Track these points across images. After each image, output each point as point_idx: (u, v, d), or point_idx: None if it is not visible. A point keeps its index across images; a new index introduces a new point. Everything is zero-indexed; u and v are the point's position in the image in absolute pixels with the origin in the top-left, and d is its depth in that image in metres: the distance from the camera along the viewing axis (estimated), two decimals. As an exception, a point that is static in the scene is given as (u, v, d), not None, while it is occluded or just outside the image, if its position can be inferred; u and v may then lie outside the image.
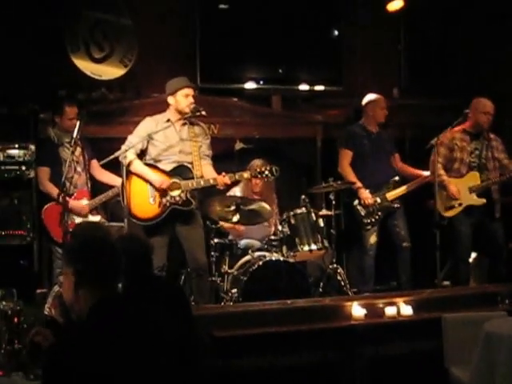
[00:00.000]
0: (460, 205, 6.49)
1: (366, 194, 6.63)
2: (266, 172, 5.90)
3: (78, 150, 6.07)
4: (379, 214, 6.66)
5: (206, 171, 5.90)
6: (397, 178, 6.81)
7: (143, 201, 5.80)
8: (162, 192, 5.75)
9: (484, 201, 6.48)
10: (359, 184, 6.66)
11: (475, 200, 6.49)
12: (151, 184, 5.80)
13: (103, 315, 2.61)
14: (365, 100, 6.97)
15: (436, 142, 6.31)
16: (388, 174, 6.82)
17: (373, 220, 6.66)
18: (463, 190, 6.48)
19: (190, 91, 5.91)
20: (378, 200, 6.66)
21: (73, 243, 2.85)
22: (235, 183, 6.67)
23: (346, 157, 6.80)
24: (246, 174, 5.92)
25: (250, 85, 7.69)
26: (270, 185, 6.89)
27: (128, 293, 3.53)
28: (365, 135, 6.85)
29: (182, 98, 5.87)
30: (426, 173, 6.74)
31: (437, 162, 6.40)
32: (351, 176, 6.70)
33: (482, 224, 6.55)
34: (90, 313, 2.61)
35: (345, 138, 6.90)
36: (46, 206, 6.04)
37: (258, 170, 5.93)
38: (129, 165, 5.73)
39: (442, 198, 6.50)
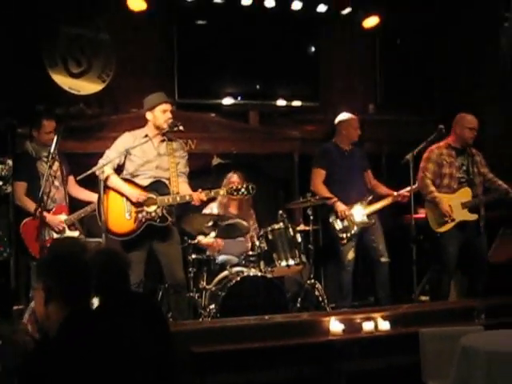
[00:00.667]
0: (453, 220, 6.52)
1: (342, 207, 6.62)
2: (243, 190, 5.88)
3: (56, 164, 6.05)
4: (355, 229, 6.67)
5: (182, 188, 5.89)
6: (370, 196, 6.81)
7: (119, 216, 5.77)
8: (139, 206, 5.74)
9: (476, 216, 6.51)
10: (335, 198, 6.66)
11: (468, 215, 6.51)
12: (128, 199, 5.78)
13: (72, 330, 2.62)
14: (338, 119, 6.99)
15: (411, 157, 6.37)
16: (361, 192, 6.82)
17: (349, 235, 6.65)
18: (456, 206, 6.50)
19: (167, 107, 5.92)
20: (354, 214, 6.66)
21: (44, 258, 2.86)
22: (212, 199, 6.69)
23: (319, 175, 6.81)
24: (221, 191, 5.91)
25: (227, 100, 7.72)
26: (248, 200, 6.91)
27: (102, 308, 3.53)
28: (338, 153, 6.86)
29: (160, 114, 5.88)
30: (401, 191, 6.72)
31: (424, 179, 6.49)
32: (326, 193, 6.70)
33: (468, 242, 6.58)
34: (59, 328, 2.62)
35: (318, 156, 6.90)
36: (24, 221, 5.98)
37: (234, 187, 5.92)
38: (106, 179, 5.71)
39: (435, 213, 6.53)
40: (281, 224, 6.40)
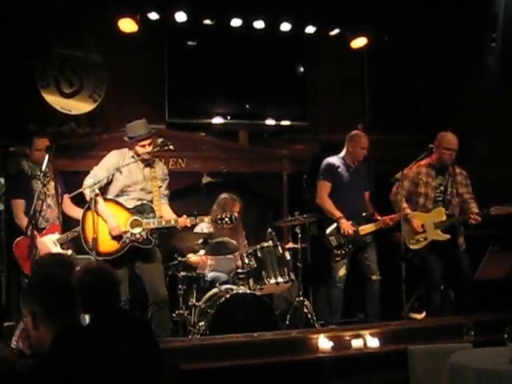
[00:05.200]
0: (425, 239, 6.61)
1: (347, 225, 6.63)
2: (226, 219, 6.01)
3: (52, 183, 6.10)
4: (350, 246, 6.68)
5: (165, 211, 6.00)
6: (369, 212, 6.83)
7: (103, 236, 5.82)
8: (115, 236, 5.81)
9: (448, 236, 6.59)
10: (340, 214, 6.67)
11: (440, 235, 6.60)
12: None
13: (63, 345, 2.66)
14: (348, 135, 6.96)
15: (401, 175, 6.42)
16: (362, 208, 6.86)
17: (343, 252, 6.67)
18: (429, 225, 6.61)
19: (145, 142, 5.98)
20: (355, 233, 6.67)
21: (27, 284, 2.90)
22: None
23: (325, 188, 6.80)
24: (206, 219, 6.02)
25: (217, 120, 7.79)
26: (238, 222, 6.97)
27: (93, 325, 3.55)
28: (344, 168, 6.86)
29: (138, 148, 5.98)
30: (386, 217, 6.73)
31: (401, 196, 6.50)
32: (332, 207, 6.72)
33: (448, 256, 6.66)
34: (51, 345, 2.69)
35: (323, 169, 6.88)
36: (17, 239, 6.02)
37: (219, 216, 6.03)
38: (93, 201, 5.73)
39: (408, 231, 6.61)
40: (270, 242, 6.45)
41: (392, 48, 8.38)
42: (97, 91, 7.10)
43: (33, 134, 6.22)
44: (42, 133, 6.25)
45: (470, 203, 6.69)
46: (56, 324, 2.73)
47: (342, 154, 6.94)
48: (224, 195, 6.86)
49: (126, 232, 5.82)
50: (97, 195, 5.74)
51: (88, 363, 2.65)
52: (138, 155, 5.97)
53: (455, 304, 6.86)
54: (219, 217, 6.02)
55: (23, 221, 6.00)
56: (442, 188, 6.69)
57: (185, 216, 5.87)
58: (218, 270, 6.74)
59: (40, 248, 5.95)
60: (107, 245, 5.82)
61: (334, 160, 6.90)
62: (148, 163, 6.04)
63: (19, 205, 6.09)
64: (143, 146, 5.96)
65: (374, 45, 8.04)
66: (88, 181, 5.84)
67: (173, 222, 5.86)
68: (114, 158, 6.00)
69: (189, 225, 5.91)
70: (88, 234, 5.75)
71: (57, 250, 6.08)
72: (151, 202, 5.95)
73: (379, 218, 6.79)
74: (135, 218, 5.85)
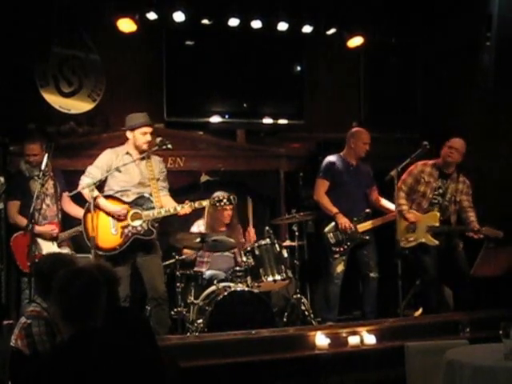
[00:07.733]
0: (415, 240, 6.66)
1: (344, 219, 6.66)
2: (225, 200, 6.05)
3: (50, 182, 6.14)
4: (348, 244, 6.71)
5: (166, 201, 6.02)
6: (368, 210, 6.84)
7: (105, 231, 5.86)
8: (123, 220, 5.83)
9: (437, 243, 6.62)
10: (336, 210, 6.70)
11: (429, 240, 6.64)
12: (113, 216, 5.88)
13: (68, 355, 2.71)
14: (349, 133, 6.99)
15: (395, 173, 6.46)
16: (361, 206, 6.86)
17: (341, 249, 6.69)
18: (421, 227, 6.65)
19: (147, 129, 6.02)
20: (352, 228, 6.71)
21: (56, 285, 2.89)
22: (198, 216, 6.78)
23: (323, 186, 6.83)
24: (205, 202, 6.03)
25: (215, 119, 7.82)
26: (234, 217, 7.00)
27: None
28: (343, 167, 6.89)
29: (140, 136, 5.99)
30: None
31: (399, 191, 6.57)
32: (328, 204, 6.75)
33: (445, 254, 6.71)
34: (57, 349, 2.71)
35: (323, 168, 6.91)
36: (14, 235, 6.09)
37: (217, 198, 6.07)
38: (93, 199, 5.77)
39: (402, 228, 6.64)
40: (267, 240, 6.49)
41: (388, 47, 8.43)
42: (96, 90, 7.15)
43: (23, 140, 6.26)
44: (32, 139, 6.27)
45: (469, 212, 6.73)
46: (69, 327, 2.78)
47: (343, 152, 6.98)
48: (219, 193, 6.90)
49: (127, 225, 5.85)
50: (96, 197, 5.78)
51: (92, 366, 2.68)
52: (137, 147, 6.00)
53: (454, 302, 6.91)
54: (217, 199, 6.06)
55: (18, 220, 6.09)
56: (440, 191, 6.72)
57: (187, 201, 5.89)
58: (215, 267, 6.78)
59: (45, 233, 6.06)
60: (109, 240, 5.86)
61: (335, 158, 6.93)
62: (143, 157, 6.04)
63: (14, 206, 6.18)
64: (144, 134, 5.98)
65: (370, 44, 8.07)
66: (84, 180, 5.88)
67: (172, 210, 5.87)
68: (107, 157, 6.03)
69: (188, 211, 5.91)
70: (90, 233, 5.77)
71: (54, 248, 6.14)
72: (150, 194, 5.97)
73: (391, 208, 6.76)
74: (135, 211, 5.88)
